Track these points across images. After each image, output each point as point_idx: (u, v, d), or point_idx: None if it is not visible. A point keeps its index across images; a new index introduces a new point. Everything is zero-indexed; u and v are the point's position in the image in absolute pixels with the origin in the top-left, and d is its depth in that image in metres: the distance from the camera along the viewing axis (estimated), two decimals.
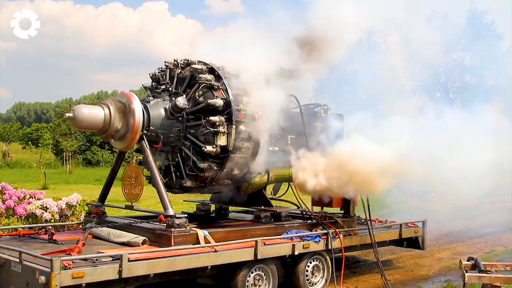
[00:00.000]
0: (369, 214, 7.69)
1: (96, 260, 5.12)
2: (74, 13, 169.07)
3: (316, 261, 7.02)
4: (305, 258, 6.85)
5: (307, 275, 6.90)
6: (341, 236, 7.22)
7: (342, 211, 8.15)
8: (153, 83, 7.15)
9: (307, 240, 6.82)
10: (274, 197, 8.17)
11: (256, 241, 6.22)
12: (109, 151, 38.89)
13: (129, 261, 5.14)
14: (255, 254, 6.18)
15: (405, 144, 7.03)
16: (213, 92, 6.60)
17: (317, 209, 8.12)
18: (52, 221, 8.35)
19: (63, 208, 8.61)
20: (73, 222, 8.07)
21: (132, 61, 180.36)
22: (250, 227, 7.00)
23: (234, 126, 6.58)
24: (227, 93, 6.65)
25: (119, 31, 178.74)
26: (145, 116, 6.37)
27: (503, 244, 10.60)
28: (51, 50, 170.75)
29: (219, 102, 6.54)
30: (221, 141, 6.53)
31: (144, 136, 6.36)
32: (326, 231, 7.12)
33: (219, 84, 6.66)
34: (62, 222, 8.36)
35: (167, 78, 6.98)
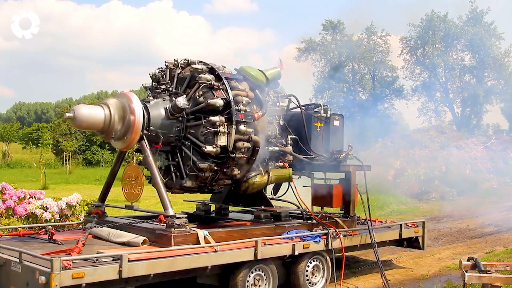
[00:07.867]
0: (369, 214, 7.69)
1: (96, 260, 5.12)
2: (75, 12, 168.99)
3: (316, 261, 7.02)
4: (305, 258, 6.84)
5: (307, 275, 6.89)
6: (341, 236, 7.21)
7: (342, 211, 8.15)
8: (153, 83, 7.14)
9: (307, 240, 6.82)
10: (274, 197, 8.17)
11: (256, 241, 6.22)
12: (109, 151, 38.89)
13: (129, 261, 5.14)
14: (255, 254, 6.18)
15: None
16: (213, 92, 6.60)
17: (317, 209, 8.12)
18: (52, 221, 8.33)
19: (63, 208, 8.60)
20: (73, 222, 8.07)
21: (134, 60, 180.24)
22: (250, 227, 7.00)
23: (234, 126, 6.57)
24: (227, 93, 6.65)
25: (120, 30, 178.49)
26: (145, 116, 6.36)
27: (503, 244, 10.59)
28: (51, 49, 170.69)
29: (219, 102, 6.54)
30: (221, 141, 6.53)
31: (144, 136, 6.35)
32: (326, 231, 7.12)
33: (219, 84, 6.66)
34: (62, 222, 8.35)
35: (167, 78, 6.97)
